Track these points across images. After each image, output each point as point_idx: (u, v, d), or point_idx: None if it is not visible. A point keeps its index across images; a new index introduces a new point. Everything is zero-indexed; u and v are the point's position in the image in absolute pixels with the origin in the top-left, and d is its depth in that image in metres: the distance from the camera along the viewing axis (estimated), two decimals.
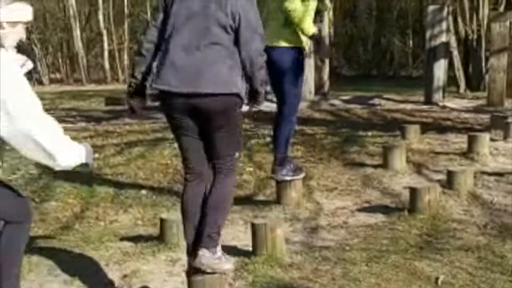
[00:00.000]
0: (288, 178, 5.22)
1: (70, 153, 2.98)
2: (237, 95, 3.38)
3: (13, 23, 2.99)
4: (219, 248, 3.50)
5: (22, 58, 3.06)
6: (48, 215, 5.28)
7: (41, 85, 24.54)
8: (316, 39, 5.30)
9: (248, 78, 3.48)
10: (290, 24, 5.00)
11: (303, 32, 5.04)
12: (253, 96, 3.66)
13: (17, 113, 2.78)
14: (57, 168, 3.00)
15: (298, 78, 5.21)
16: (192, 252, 3.49)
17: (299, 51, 5.12)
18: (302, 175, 5.37)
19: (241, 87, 3.41)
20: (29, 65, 3.07)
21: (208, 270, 3.43)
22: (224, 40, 3.37)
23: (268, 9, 5.17)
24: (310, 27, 5.04)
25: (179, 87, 3.32)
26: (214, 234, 3.46)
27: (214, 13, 3.34)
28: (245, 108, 3.62)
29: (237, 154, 3.57)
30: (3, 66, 2.80)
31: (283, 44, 5.02)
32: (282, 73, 5.09)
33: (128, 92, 3.61)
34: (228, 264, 3.54)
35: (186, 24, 3.38)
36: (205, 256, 3.41)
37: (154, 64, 3.50)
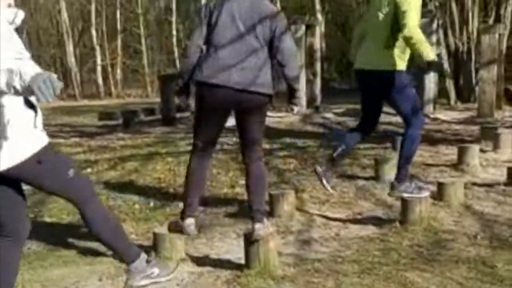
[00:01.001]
0: (406, 194, 5.02)
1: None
2: (270, 96, 4.23)
3: None
4: (265, 218, 4.29)
5: (13, 10, 3.22)
6: (42, 230, 5.29)
7: None
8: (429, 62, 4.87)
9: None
10: (394, 47, 4.91)
11: (419, 56, 4.79)
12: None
13: None
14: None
15: (410, 96, 5.04)
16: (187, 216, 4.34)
17: (404, 72, 5.01)
18: (425, 194, 5.05)
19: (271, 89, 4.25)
20: (21, 14, 3.26)
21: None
22: (263, 46, 4.14)
23: (366, 30, 5.15)
24: (430, 52, 4.81)
25: (229, 82, 4.07)
26: (263, 209, 4.29)
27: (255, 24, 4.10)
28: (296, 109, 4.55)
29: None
30: None
31: (388, 68, 4.94)
32: (394, 98, 5.02)
33: (176, 91, 4.43)
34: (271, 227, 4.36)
35: (231, 30, 4.10)
36: (260, 229, 4.14)
37: (204, 65, 4.14)
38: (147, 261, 3.90)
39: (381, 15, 4.97)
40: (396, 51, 4.93)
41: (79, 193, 3.55)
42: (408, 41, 4.78)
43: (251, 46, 4.10)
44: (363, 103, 5.32)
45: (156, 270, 3.92)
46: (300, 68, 12.19)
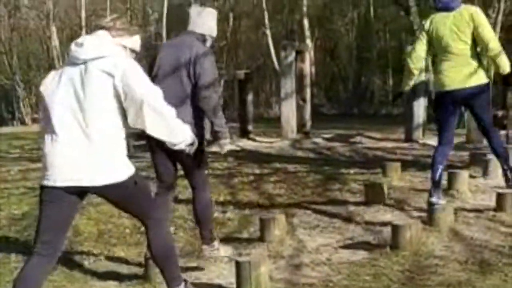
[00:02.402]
0: None
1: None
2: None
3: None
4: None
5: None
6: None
7: (24, 125, 24.46)
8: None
9: None
10: (474, 62, 5.61)
11: (497, 69, 5.59)
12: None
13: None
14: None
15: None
16: None
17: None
18: None
19: None
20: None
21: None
22: None
23: (446, 50, 5.61)
24: (507, 64, 5.56)
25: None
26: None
27: None
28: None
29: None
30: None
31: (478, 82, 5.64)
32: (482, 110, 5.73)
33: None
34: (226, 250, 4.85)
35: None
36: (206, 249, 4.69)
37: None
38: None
39: None
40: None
41: (156, 214, 3.73)
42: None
43: None
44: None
45: None
46: (290, 94, 12.27)
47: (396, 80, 24.65)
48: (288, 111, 12.15)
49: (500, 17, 15.68)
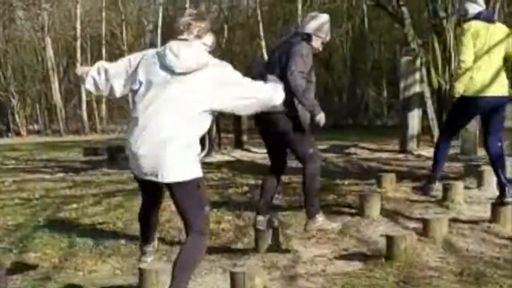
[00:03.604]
0: None
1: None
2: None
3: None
4: None
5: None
6: (26, 266, 5.26)
7: (19, 137, 24.44)
8: None
9: None
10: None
11: None
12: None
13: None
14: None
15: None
16: None
17: None
18: None
19: None
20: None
21: None
22: None
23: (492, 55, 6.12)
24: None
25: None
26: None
27: None
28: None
29: None
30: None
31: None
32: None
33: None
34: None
35: None
36: None
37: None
38: None
39: None
40: None
41: (201, 223, 3.84)
42: None
43: None
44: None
45: None
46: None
47: (390, 91, 24.71)
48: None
49: None
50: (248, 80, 4.00)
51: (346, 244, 5.51)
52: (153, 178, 3.76)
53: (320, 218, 5.18)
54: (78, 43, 28.25)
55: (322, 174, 8.62)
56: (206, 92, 3.77)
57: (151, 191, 4.17)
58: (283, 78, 4.89)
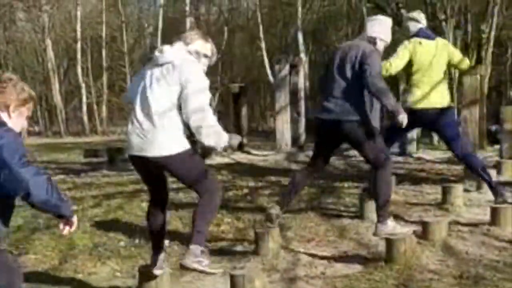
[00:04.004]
0: None
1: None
2: None
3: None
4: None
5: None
6: (26, 268, 5.25)
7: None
8: None
9: None
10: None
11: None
12: None
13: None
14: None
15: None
16: None
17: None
18: None
19: None
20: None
21: None
22: None
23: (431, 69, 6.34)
24: None
25: None
26: None
27: None
28: None
29: None
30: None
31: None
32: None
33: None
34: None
35: None
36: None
37: None
38: (202, 251, 4.11)
39: None
40: None
41: (207, 186, 4.12)
42: None
43: None
44: None
45: (206, 261, 4.10)
46: (284, 108, 12.30)
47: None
48: (283, 124, 12.19)
49: (493, 33, 15.78)
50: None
51: (346, 247, 5.52)
52: None
53: (391, 223, 5.21)
54: (79, 45, 28.28)
55: (322, 177, 8.70)
56: None
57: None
58: (355, 79, 5.13)
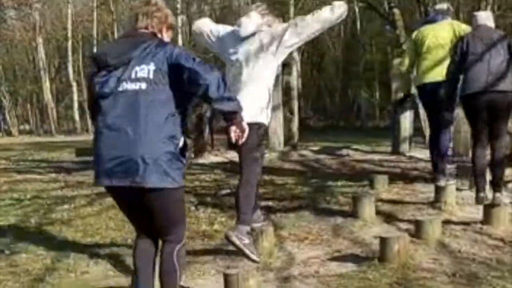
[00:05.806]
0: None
1: None
2: None
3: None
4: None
5: None
6: (18, 267, 5.23)
7: (11, 136, 24.33)
8: None
9: None
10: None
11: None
12: None
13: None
14: None
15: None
16: None
17: None
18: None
19: None
20: None
21: None
22: None
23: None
24: None
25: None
26: None
27: None
28: None
29: None
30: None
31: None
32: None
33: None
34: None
35: None
36: None
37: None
38: (248, 232, 4.67)
39: None
40: None
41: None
42: None
43: None
44: None
45: (247, 241, 4.65)
46: (277, 107, 12.28)
47: (382, 92, 24.76)
48: (276, 123, 12.17)
49: None
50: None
51: (340, 246, 5.51)
52: None
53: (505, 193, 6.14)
54: (70, 43, 28.19)
55: (315, 176, 8.70)
56: None
57: None
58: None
